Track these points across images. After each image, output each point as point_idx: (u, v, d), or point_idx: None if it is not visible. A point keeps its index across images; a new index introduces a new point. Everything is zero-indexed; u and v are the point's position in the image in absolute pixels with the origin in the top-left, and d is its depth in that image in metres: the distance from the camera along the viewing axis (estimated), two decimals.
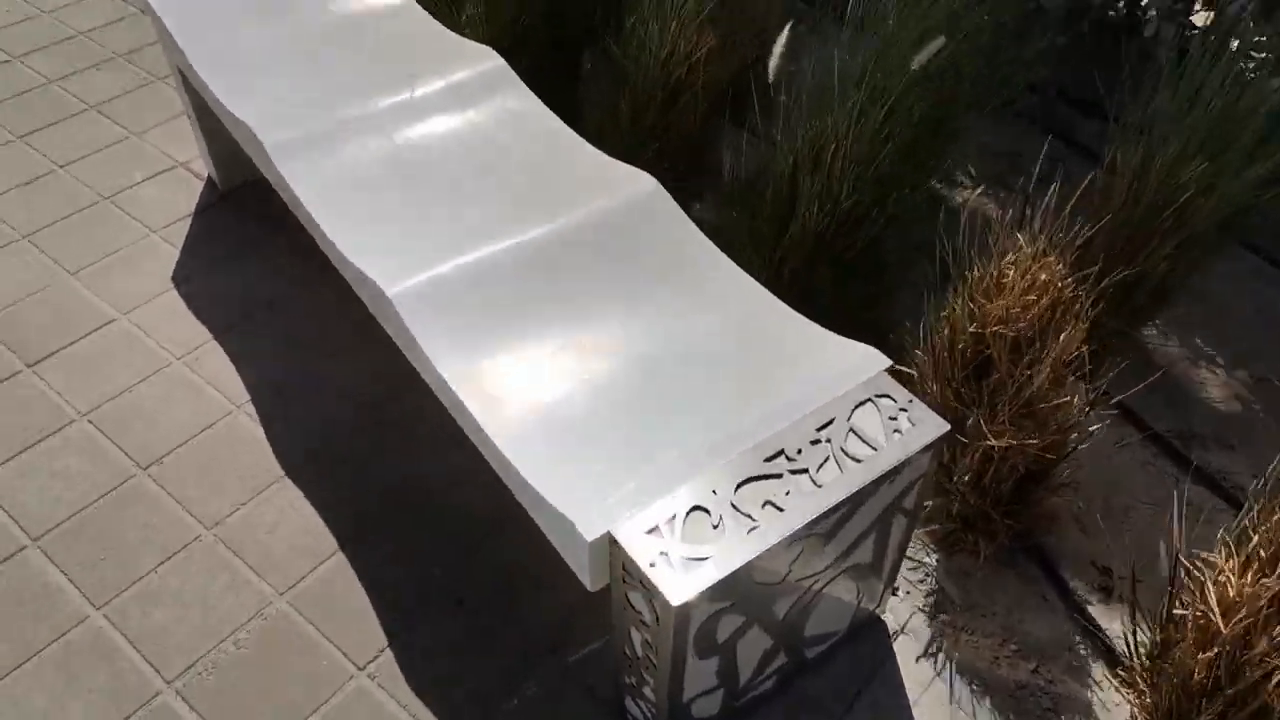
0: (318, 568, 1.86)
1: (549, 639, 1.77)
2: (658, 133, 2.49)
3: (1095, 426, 1.99)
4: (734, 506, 1.37)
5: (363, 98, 2.06)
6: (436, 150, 1.98)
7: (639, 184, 1.88)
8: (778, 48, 2.30)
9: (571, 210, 1.82)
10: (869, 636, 1.80)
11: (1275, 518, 1.48)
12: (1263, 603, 1.43)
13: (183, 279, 2.42)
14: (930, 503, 2.00)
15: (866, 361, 1.57)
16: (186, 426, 2.09)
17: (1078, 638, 1.84)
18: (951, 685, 1.76)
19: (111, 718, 1.64)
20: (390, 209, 1.85)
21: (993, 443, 1.73)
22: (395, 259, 1.72)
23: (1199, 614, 1.50)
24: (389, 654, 1.74)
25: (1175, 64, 2.06)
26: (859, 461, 1.43)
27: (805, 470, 1.41)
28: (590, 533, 1.33)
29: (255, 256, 2.47)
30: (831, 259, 2.17)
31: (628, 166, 1.92)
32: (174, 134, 2.83)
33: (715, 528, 1.34)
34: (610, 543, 1.34)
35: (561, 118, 2.08)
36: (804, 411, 1.49)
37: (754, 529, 1.34)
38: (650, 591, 1.30)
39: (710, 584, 1.28)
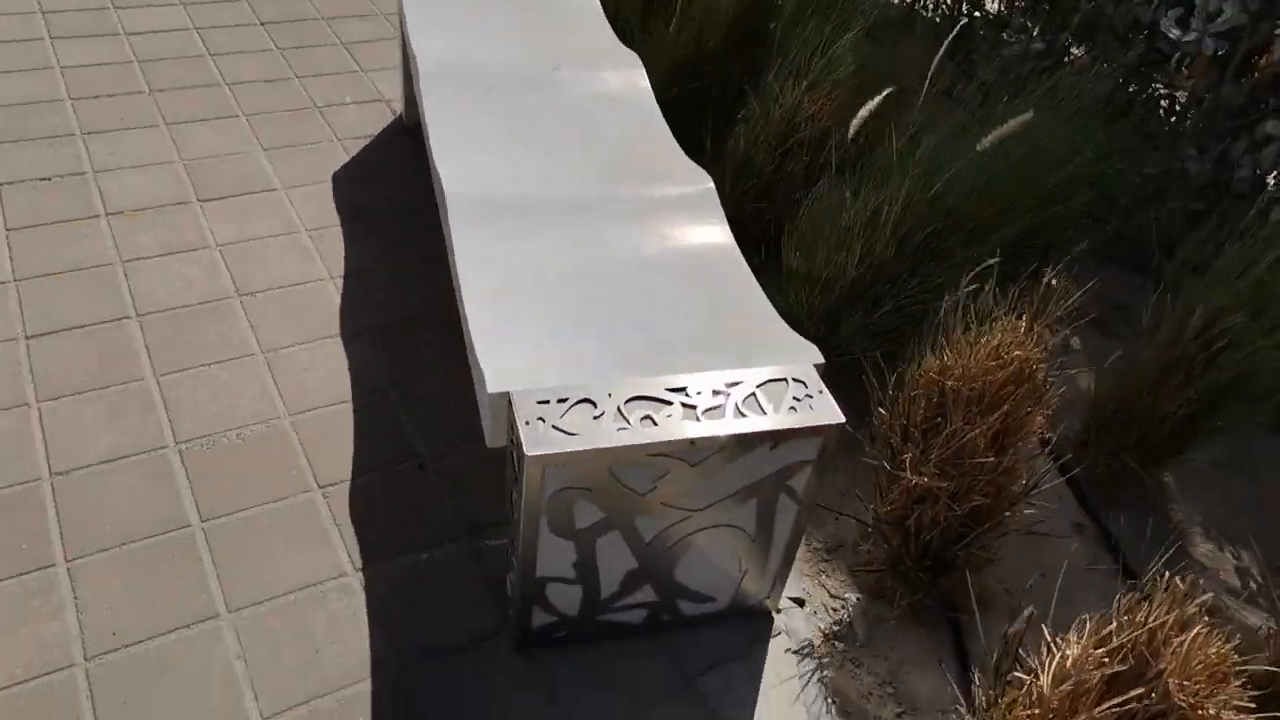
0: (327, 408, 2.18)
1: (480, 521, 1.99)
2: (765, 176, 2.73)
3: (1030, 510, 2.00)
4: (619, 410, 1.56)
5: (553, 178, 2.13)
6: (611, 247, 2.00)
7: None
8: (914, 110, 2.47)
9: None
10: (751, 623, 1.90)
11: (1139, 611, 1.49)
12: (1092, 676, 1.44)
13: (340, 177, 2.88)
14: (868, 547, 2.07)
15: (803, 353, 1.73)
16: (286, 277, 2.50)
17: (955, 706, 1.85)
18: (809, 694, 1.82)
19: (123, 451, 2.02)
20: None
21: (910, 478, 1.81)
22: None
23: (1032, 678, 1.52)
24: (346, 486, 2.02)
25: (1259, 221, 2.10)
26: (743, 417, 1.58)
27: (694, 407, 1.58)
28: (493, 386, 1.56)
29: (399, 177, 2.90)
30: (869, 304, 2.30)
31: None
32: (390, 78, 3.37)
33: (595, 419, 1.54)
34: (507, 402, 1.56)
35: (690, 151, 2.35)
36: (725, 368, 1.66)
37: (623, 429, 1.53)
38: (517, 447, 1.51)
39: (564, 450, 1.47)
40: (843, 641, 1.96)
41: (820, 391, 1.65)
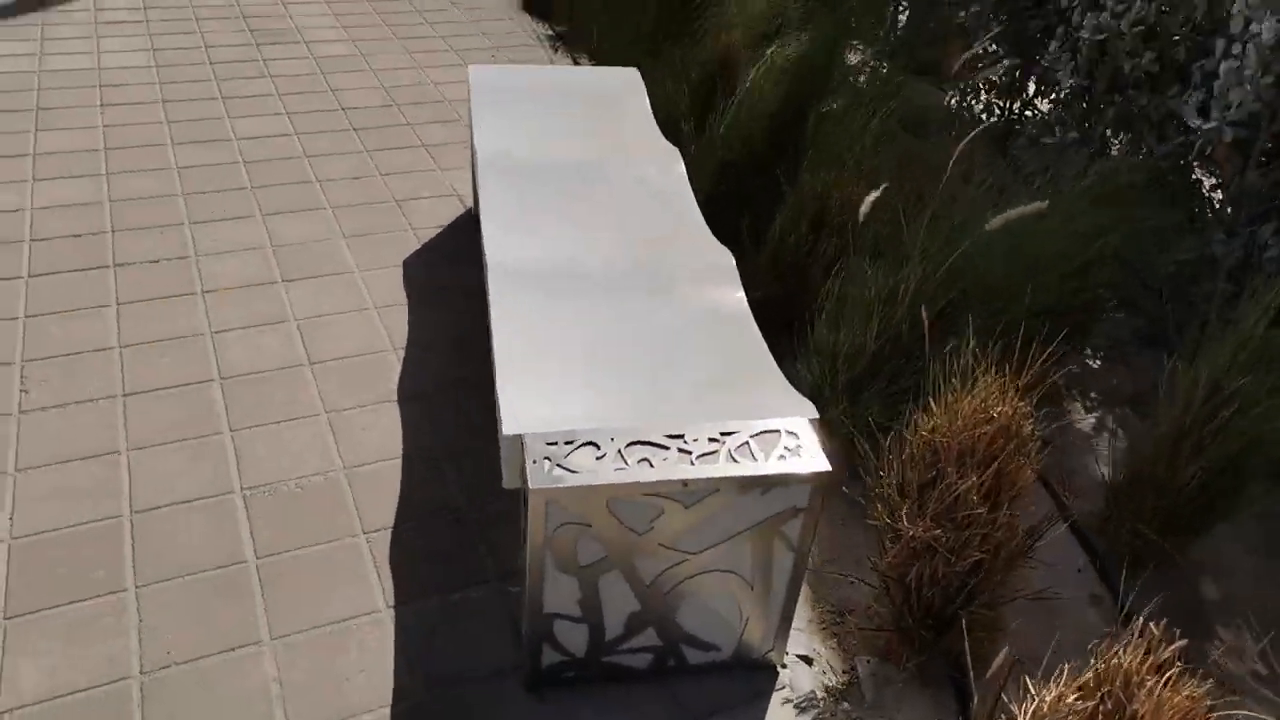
0: (379, 463, 2.38)
1: (509, 568, 2.14)
2: (798, 259, 2.89)
3: (1034, 568, 2.03)
4: (619, 453, 1.70)
5: (588, 254, 2.33)
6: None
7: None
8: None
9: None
10: (755, 675, 1.97)
11: (1113, 658, 1.53)
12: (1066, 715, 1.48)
13: (411, 261, 3.16)
14: (877, 609, 2.13)
15: (798, 408, 1.85)
16: (354, 348, 2.75)
17: None
18: None
19: (195, 495, 2.25)
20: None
21: (907, 529, 1.88)
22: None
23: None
24: (389, 532, 2.20)
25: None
26: (735, 463, 1.71)
27: (690, 452, 1.72)
28: (508, 429, 1.73)
29: (464, 261, 3.16)
30: (888, 375, 2.41)
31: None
32: (463, 176, 3.68)
33: (598, 459, 1.69)
34: (520, 443, 1.73)
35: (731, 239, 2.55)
36: (725, 419, 1.79)
37: (621, 469, 1.67)
38: (525, 483, 1.66)
39: (566, 485, 1.62)
40: (849, 701, 2.00)
41: (811, 442, 1.76)
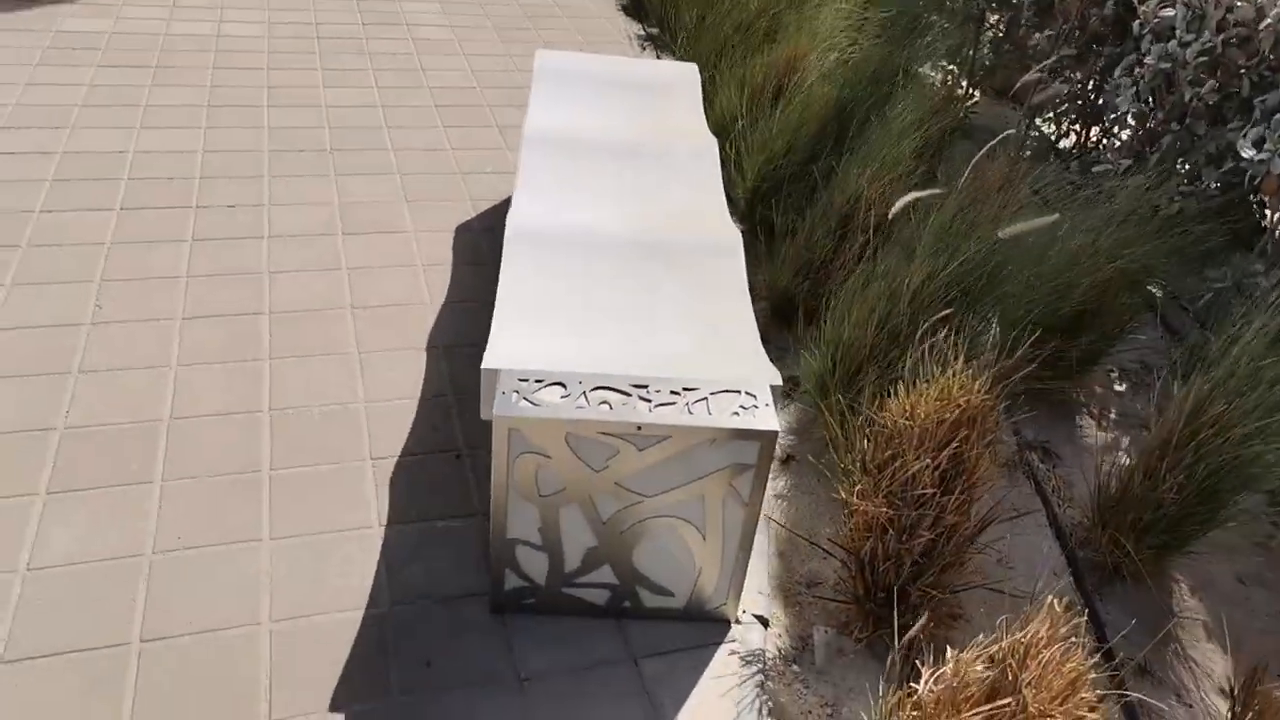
0: (396, 400, 2.57)
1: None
2: (823, 255, 2.97)
3: (991, 555, 2.06)
4: (583, 394, 1.84)
5: (607, 224, 2.46)
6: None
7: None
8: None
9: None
10: (707, 627, 2.07)
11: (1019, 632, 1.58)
12: (969, 684, 1.55)
13: (463, 228, 3.36)
14: (841, 580, 2.20)
15: (764, 374, 1.95)
16: (394, 298, 2.96)
17: None
18: (745, 697, 1.96)
19: (228, 409, 2.47)
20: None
21: (857, 504, 1.96)
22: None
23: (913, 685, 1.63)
24: (393, 461, 2.38)
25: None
26: (689, 415, 1.82)
27: (650, 401, 1.84)
28: (487, 364, 1.88)
29: None
30: (884, 366, 2.47)
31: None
32: None
33: (562, 398, 1.83)
34: (495, 376, 1.88)
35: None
36: (690, 376, 1.91)
37: (582, 408, 1.80)
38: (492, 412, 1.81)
39: (526, 415, 1.76)
40: (799, 665, 2.08)
41: (766, 405, 1.86)
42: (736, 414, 1.83)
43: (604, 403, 1.82)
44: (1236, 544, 2.40)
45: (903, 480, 1.92)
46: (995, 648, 1.60)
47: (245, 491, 2.25)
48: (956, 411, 1.93)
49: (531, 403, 1.80)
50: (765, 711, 1.94)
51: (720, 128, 3.85)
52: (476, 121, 4.14)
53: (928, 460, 1.89)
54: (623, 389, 1.86)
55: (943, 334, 2.11)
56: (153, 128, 3.76)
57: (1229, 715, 1.70)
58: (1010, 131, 3.15)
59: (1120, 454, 2.72)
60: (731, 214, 3.66)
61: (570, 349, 2.00)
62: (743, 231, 3.55)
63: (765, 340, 3.05)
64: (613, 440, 1.81)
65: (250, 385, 2.56)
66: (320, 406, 2.52)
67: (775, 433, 1.81)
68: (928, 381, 1.99)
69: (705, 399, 1.86)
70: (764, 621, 2.14)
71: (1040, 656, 1.51)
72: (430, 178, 3.65)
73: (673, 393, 1.87)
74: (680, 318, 2.16)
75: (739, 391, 1.89)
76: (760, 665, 2.03)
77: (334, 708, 1.82)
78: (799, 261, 3.03)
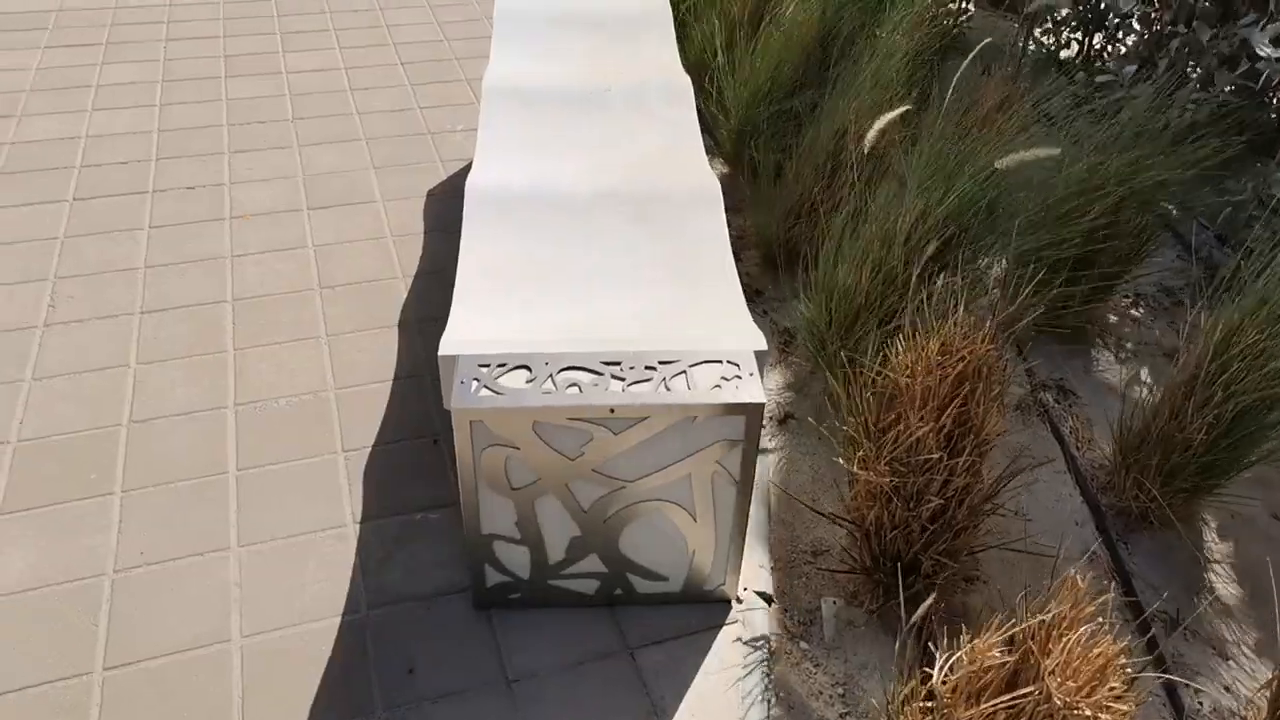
0: (368, 385, 2.43)
1: None
2: (813, 196, 2.78)
3: (1004, 515, 1.92)
4: (550, 377, 1.68)
5: (574, 177, 2.28)
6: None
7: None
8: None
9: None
10: (706, 609, 1.94)
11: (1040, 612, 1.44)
12: (987, 671, 1.42)
13: (434, 193, 3.18)
14: (849, 552, 2.06)
15: (747, 339, 1.79)
16: (364, 274, 2.80)
17: None
18: (750, 684, 1.84)
19: (191, 408, 2.34)
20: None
21: (859, 474, 1.81)
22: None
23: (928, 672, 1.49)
24: (367, 452, 2.25)
25: None
26: (667, 392, 1.66)
27: (623, 379, 1.69)
28: (444, 350, 1.73)
29: None
30: (884, 314, 2.31)
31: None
32: None
33: (528, 383, 1.67)
34: (453, 363, 1.73)
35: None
36: (670, 347, 1.75)
37: (549, 393, 1.65)
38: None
39: (487, 406, 1.62)
40: (807, 641, 1.96)
41: (750, 374, 1.71)
42: (718, 386, 1.68)
43: (573, 385, 1.67)
44: (1272, 477, 2.24)
45: (907, 445, 1.77)
46: (1015, 628, 1.46)
47: (211, 496, 2.12)
48: (960, 364, 1.76)
49: (494, 391, 1.65)
50: (773, 699, 1.82)
51: (699, 63, 3.64)
52: (444, 77, 3.93)
53: (931, 423, 1.73)
54: (593, 368, 1.71)
55: (940, 278, 1.93)
56: (105, 109, 3.58)
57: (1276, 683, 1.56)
58: (988, 40, 2.89)
59: (1141, 388, 2.55)
60: (716, 156, 3.47)
61: (537, 323, 1.85)
62: (730, 174, 3.36)
63: (758, 291, 2.88)
64: (586, 425, 1.66)
65: (214, 380, 2.42)
66: (288, 398, 2.39)
67: (761, 405, 1.66)
68: (927, 333, 1.82)
69: (684, 372, 1.71)
70: (767, 599, 2.01)
71: (1064, 640, 1.37)
72: (398, 141, 3.47)
73: (648, 368, 1.71)
74: (657, 279, 1.99)
75: (720, 361, 1.73)
76: (765, 646, 1.90)
77: None
78: (789, 203, 2.84)
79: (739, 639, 1.91)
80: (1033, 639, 1.40)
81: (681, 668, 1.84)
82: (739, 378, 1.70)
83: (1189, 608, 2.02)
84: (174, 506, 2.09)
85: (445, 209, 3.11)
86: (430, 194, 3.19)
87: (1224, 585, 2.07)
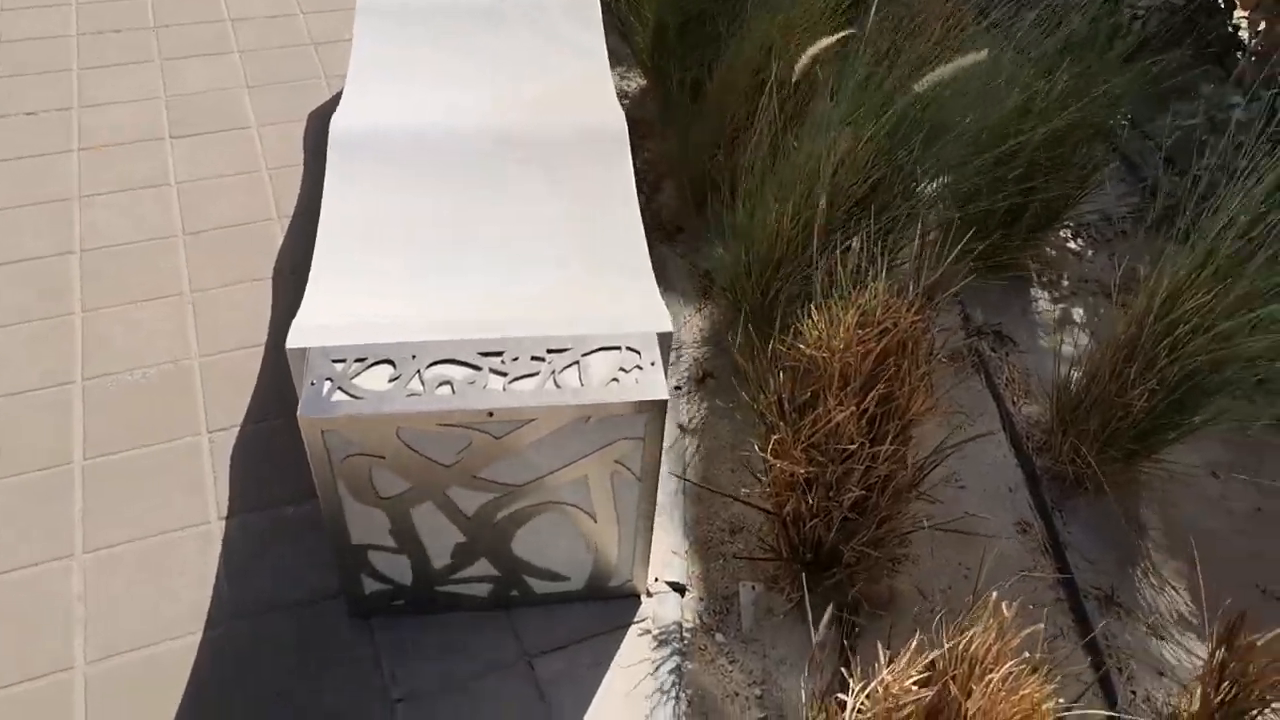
0: (239, 350, 2.16)
1: None
2: (733, 127, 2.51)
3: (934, 502, 1.78)
4: (419, 374, 1.45)
5: (462, 113, 2.00)
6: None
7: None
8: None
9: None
10: (611, 607, 1.77)
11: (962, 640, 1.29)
12: (904, 708, 1.27)
13: (316, 115, 2.84)
14: (766, 534, 1.90)
15: (651, 319, 1.57)
16: (234, 216, 2.49)
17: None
18: (661, 687, 1.69)
19: (29, 385, 2.06)
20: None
21: (774, 463, 1.63)
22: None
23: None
24: (235, 432, 2.00)
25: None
26: (556, 389, 1.44)
27: (505, 374, 1.46)
28: (293, 342, 1.48)
29: None
30: (804, 264, 2.09)
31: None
32: None
33: (391, 382, 1.44)
34: (302, 357, 1.48)
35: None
36: (561, 330, 1.52)
37: (415, 395, 1.42)
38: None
39: (341, 414, 1.38)
40: (723, 634, 1.81)
41: (652, 364, 1.49)
42: (616, 380, 1.46)
43: (445, 383, 1.44)
44: (1212, 436, 2.11)
45: (825, 431, 1.59)
46: (935, 653, 1.31)
47: (52, 493, 1.87)
48: (882, 338, 1.57)
49: (349, 394, 1.42)
50: (684, 704, 1.68)
51: None
52: None
53: (851, 407, 1.54)
54: (470, 360, 1.47)
55: (855, 237, 1.71)
56: None
57: (1211, 661, 1.46)
58: None
59: (1083, 334, 2.39)
60: (634, 66, 3.16)
61: (407, 302, 1.60)
62: (648, 89, 3.06)
63: (679, 228, 2.64)
64: (460, 431, 1.44)
65: (58, 350, 2.13)
66: (145, 369, 2.11)
67: (664, 402, 1.45)
68: (843, 301, 1.62)
69: (576, 363, 1.49)
70: (679, 589, 1.85)
71: (987, 679, 1.22)
72: (276, 54, 3.08)
73: (534, 358, 1.49)
74: (550, 240, 1.75)
75: (619, 348, 1.51)
76: (677, 643, 1.75)
77: None
78: (709, 130, 2.57)
79: (646, 632, 1.75)
80: (953, 676, 1.25)
81: (583, 674, 1.68)
82: (639, 368, 1.48)
83: (1125, 582, 1.91)
84: (8, 509, 1.84)
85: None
86: (313, 115, 2.84)
87: (1161, 555, 1.96)
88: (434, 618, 1.72)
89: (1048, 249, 2.62)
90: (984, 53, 1.89)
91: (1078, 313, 2.45)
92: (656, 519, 1.91)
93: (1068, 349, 2.32)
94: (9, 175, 2.55)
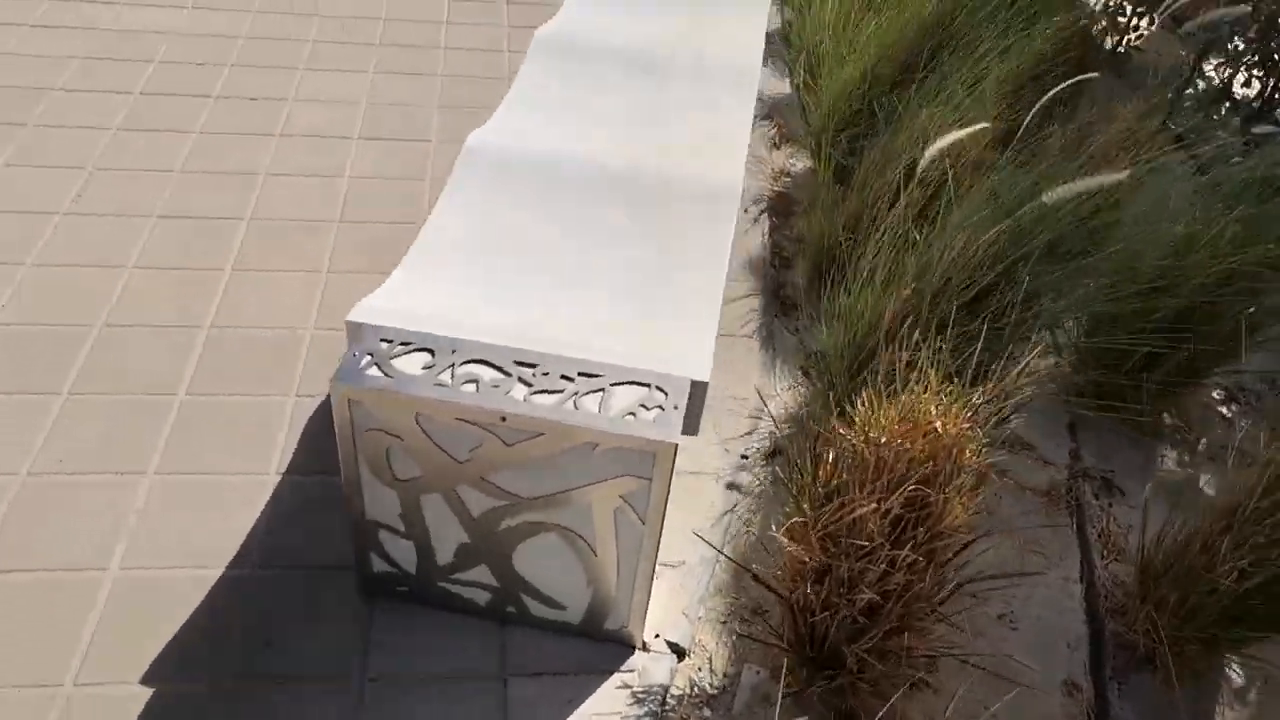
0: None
1: None
2: (877, 209, 2.47)
3: (960, 653, 1.63)
4: (451, 367, 1.50)
5: (591, 147, 2.11)
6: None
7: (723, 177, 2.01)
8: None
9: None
10: (602, 649, 1.74)
11: None
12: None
13: None
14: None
15: (690, 366, 1.56)
16: (390, 215, 2.68)
17: None
18: None
19: (166, 322, 2.28)
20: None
21: (787, 545, 1.56)
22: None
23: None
24: (318, 400, 2.13)
25: None
26: (573, 410, 1.46)
27: (531, 386, 1.49)
28: (353, 315, 1.58)
29: None
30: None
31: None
32: None
33: (425, 369, 1.50)
34: (357, 330, 1.57)
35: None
36: (595, 358, 1.54)
37: (440, 385, 1.47)
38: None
39: (369, 387, 1.45)
40: (711, 710, 1.73)
41: (676, 407, 1.48)
42: (632, 415, 1.46)
43: (472, 381, 1.48)
44: None
45: (846, 522, 1.51)
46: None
47: (147, 417, 2.05)
48: (926, 441, 1.48)
49: (383, 371, 1.49)
50: None
51: (815, 42, 3.33)
52: (541, 20, 3.75)
53: (874, 503, 1.46)
54: (503, 365, 1.52)
55: (917, 336, 1.64)
56: (202, 8, 3.58)
57: None
58: (1094, 79, 2.39)
59: (1197, 502, 2.16)
60: (802, 148, 3.18)
61: (473, 306, 1.67)
62: (811, 170, 3.07)
63: (794, 306, 2.61)
64: (474, 429, 1.48)
65: (199, 297, 2.36)
66: (264, 329, 2.30)
67: (673, 446, 1.43)
68: (891, 398, 1.54)
69: (602, 390, 1.50)
70: (679, 651, 1.79)
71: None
72: (473, 81, 3.33)
73: (564, 377, 1.51)
74: (627, 280, 1.78)
75: (648, 385, 1.51)
76: (655, 706, 1.69)
77: (147, 679, 1.62)
78: (849, 214, 2.55)
79: (627, 685, 1.70)
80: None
81: (551, 707, 1.65)
82: (660, 408, 1.47)
83: None
84: (107, 420, 2.04)
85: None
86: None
87: None
88: (432, 614, 1.75)
89: (1190, 404, 2.39)
90: (1125, 173, 1.79)
91: (1205, 478, 2.22)
92: (679, 578, 1.88)
93: (1173, 517, 2.09)
94: (214, 146, 2.87)
